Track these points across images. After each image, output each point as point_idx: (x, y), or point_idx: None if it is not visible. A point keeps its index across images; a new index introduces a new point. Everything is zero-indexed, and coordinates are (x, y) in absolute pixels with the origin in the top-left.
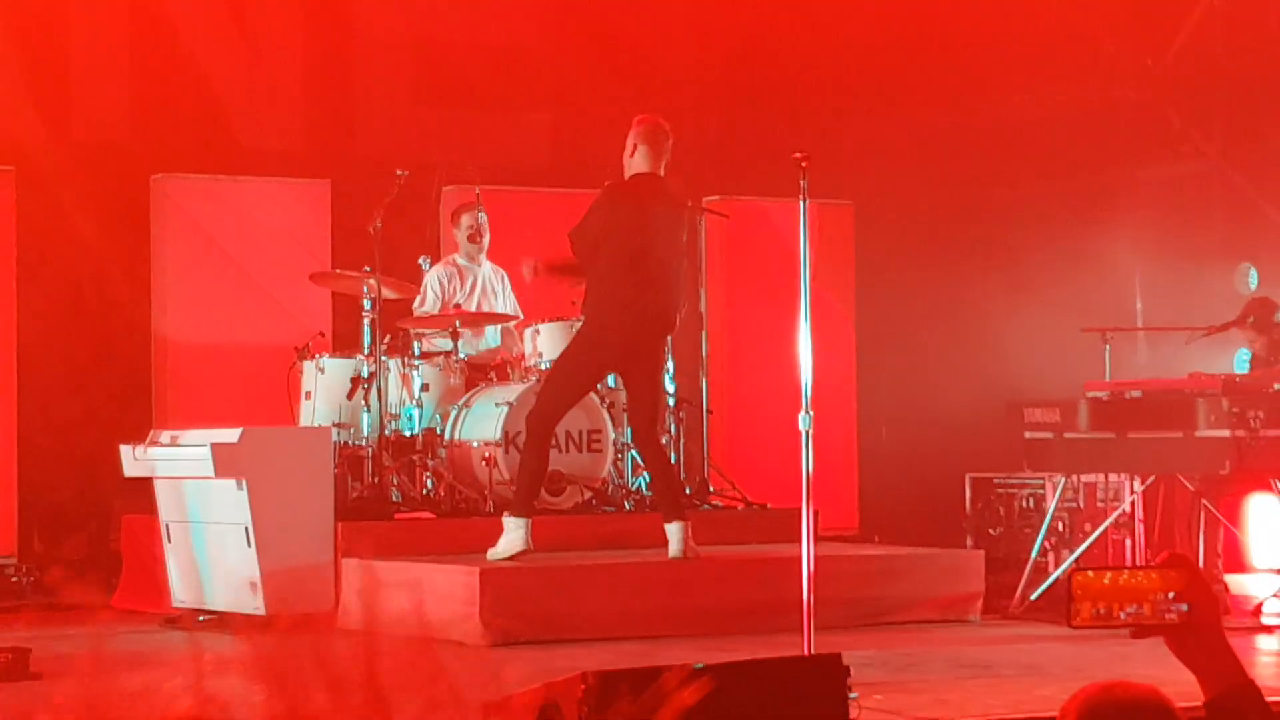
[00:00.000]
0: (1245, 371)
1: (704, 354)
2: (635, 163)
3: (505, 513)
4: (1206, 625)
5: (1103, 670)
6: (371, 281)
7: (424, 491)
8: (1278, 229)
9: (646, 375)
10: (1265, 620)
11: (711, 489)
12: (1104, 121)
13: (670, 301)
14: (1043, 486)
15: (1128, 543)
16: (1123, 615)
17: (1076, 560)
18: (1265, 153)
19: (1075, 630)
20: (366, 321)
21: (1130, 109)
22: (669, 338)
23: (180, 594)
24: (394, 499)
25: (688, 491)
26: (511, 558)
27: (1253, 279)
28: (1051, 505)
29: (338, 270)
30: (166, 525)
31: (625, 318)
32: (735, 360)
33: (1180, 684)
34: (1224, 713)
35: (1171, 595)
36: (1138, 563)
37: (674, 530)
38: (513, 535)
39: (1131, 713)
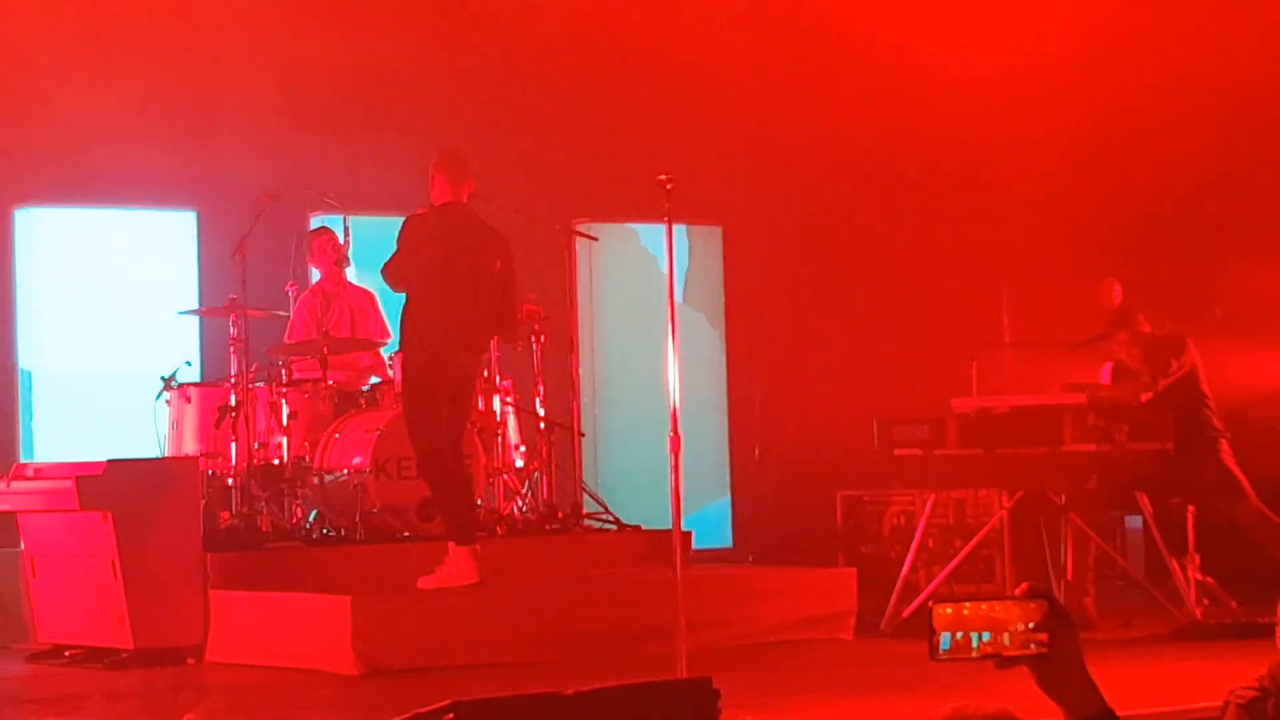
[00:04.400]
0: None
1: (575, 377)
2: (437, 194)
3: (450, 541)
4: (1067, 656)
5: (973, 688)
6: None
7: (294, 520)
8: (1141, 243)
9: (456, 393)
10: (1133, 632)
11: (584, 511)
12: (967, 140)
13: (479, 323)
14: (914, 504)
15: (997, 559)
16: (981, 646)
17: (945, 581)
18: (1127, 168)
19: (938, 662)
20: (234, 350)
21: (993, 128)
22: (483, 358)
23: (48, 629)
24: (263, 529)
25: (560, 515)
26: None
27: (1116, 293)
28: (922, 522)
29: (203, 307)
30: (32, 559)
31: (437, 343)
32: (607, 383)
33: (1041, 698)
34: None
35: (1032, 626)
36: (1006, 577)
37: (463, 554)
38: (463, 565)
39: None
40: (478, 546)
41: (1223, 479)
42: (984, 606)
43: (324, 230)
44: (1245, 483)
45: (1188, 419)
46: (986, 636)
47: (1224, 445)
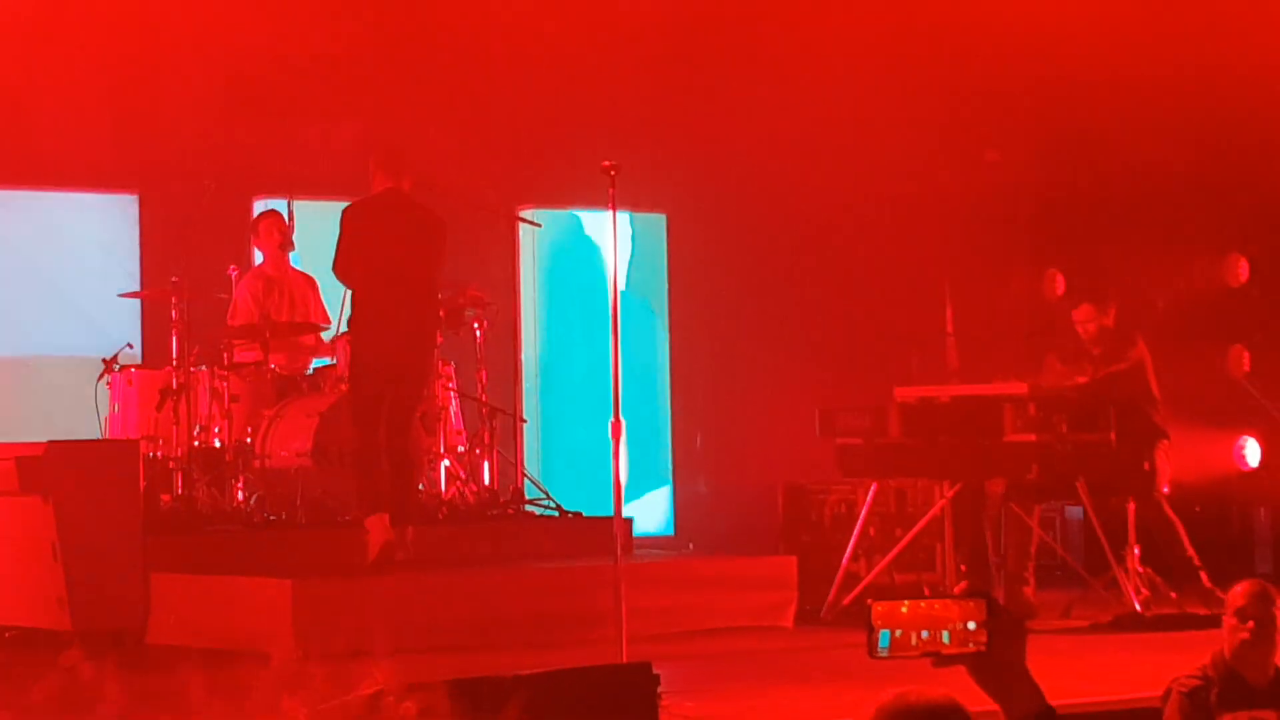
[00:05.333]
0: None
1: (518, 363)
2: (376, 187)
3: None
4: (1007, 655)
5: (915, 676)
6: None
7: (234, 504)
8: (1085, 234)
9: (411, 381)
10: (1072, 622)
11: (526, 497)
12: (911, 130)
13: (426, 306)
14: (855, 492)
15: (938, 548)
16: (920, 644)
17: (885, 569)
18: (1071, 160)
19: (875, 660)
20: (175, 333)
21: (936, 119)
22: (436, 344)
23: None
24: (204, 512)
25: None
26: (379, 554)
27: (1059, 285)
28: (863, 511)
29: (145, 289)
30: None
31: (384, 329)
32: (549, 369)
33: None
34: None
35: (972, 625)
36: (946, 566)
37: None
38: (374, 535)
39: (926, 717)
40: (411, 530)
41: (1149, 476)
42: (923, 605)
43: (271, 213)
44: (1161, 478)
45: (1132, 415)
46: (925, 634)
47: (1163, 445)
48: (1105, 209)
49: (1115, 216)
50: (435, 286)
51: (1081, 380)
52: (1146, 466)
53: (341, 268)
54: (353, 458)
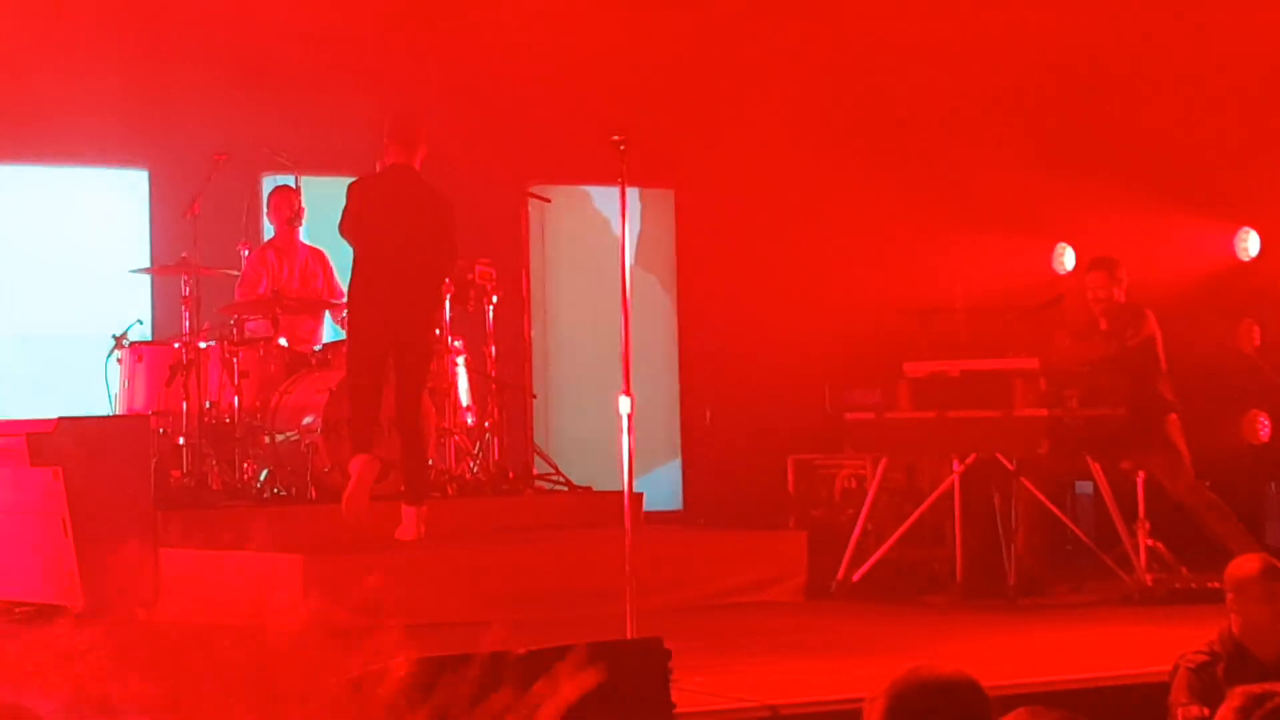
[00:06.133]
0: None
1: (527, 338)
2: (387, 158)
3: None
4: None
5: (923, 650)
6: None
7: (244, 480)
8: (1094, 210)
9: (411, 357)
10: (1081, 597)
11: (535, 472)
12: (921, 104)
13: (420, 283)
14: (865, 467)
15: (948, 523)
16: None
17: (895, 544)
18: (1079, 135)
19: None
20: (185, 309)
21: (946, 91)
22: (435, 315)
23: None
24: (214, 488)
25: (510, 475)
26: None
27: (1069, 259)
28: (873, 486)
29: (155, 265)
30: None
31: (377, 301)
32: (559, 344)
33: (993, 661)
34: None
35: None
36: (957, 541)
37: (408, 514)
38: (359, 472)
39: (939, 692)
40: (425, 508)
41: (1165, 450)
42: None
43: (282, 188)
44: (1185, 457)
45: (1142, 388)
46: None
47: (1173, 418)
48: (1115, 182)
49: (1125, 190)
50: (431, 263)
51: (1094, 359)
52: (1166, 446)
53: (346, 229)
54: (353, 441)
